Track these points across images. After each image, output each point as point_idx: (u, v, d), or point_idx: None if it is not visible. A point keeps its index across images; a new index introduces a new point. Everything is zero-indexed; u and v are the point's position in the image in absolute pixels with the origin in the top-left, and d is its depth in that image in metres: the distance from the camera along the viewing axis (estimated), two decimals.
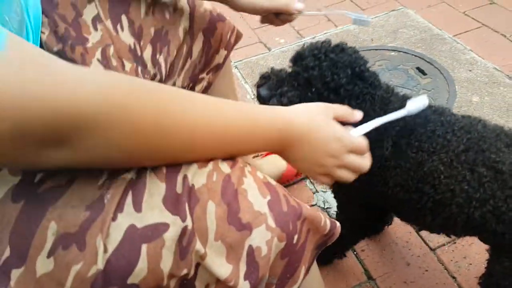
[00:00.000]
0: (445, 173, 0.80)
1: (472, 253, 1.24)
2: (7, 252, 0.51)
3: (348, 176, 0.71)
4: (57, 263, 0.52)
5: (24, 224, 0.53)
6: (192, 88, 0.67)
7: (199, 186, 0.56)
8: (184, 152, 0.56)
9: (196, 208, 0.55)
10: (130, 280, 0.53)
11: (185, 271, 0.55)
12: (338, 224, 0.70)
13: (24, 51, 0.43)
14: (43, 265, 0.52)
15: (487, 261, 0.89)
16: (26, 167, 0.51)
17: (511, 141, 0.80)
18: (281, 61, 1.94)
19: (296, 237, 0.61)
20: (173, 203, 0.54)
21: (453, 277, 1.19)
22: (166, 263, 0.54)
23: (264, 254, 0.58)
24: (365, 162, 0.72)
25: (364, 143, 0.71)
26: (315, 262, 0.76)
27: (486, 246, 0.91)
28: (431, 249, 1.25)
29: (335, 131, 0.68)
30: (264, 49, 2.07)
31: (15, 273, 0.51)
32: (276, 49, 2.05)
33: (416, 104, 0.77)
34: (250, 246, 0.57)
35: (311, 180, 0.85)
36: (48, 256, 0.52)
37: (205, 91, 1.00)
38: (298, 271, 0.64)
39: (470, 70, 1.78)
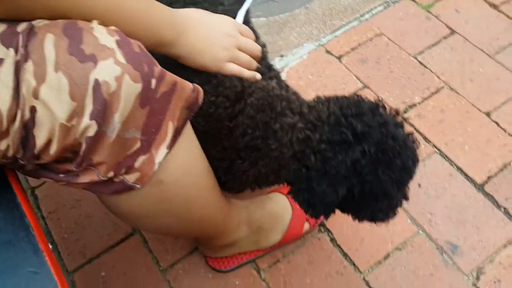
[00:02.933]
0: None
1: None
2: None
3: (248, 61, 0.79)
4: None
5: None
6: None
7: (40, 25, 0.53)
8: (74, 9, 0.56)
9: (32, 40, 0.51)
10: None
11: (20, 113, 0.51)
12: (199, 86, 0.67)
13: None
14: None
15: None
16: None
17: None
18: None
19: (154, 82, 0.56)
20: (9, 38, 0.51)
21: None
22: (3, 101, 0.50)
23: (113, 90, 0.52)
24: (255, 44, 0.80)
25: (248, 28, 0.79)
26: (193, 136, 0.72)
27: None
28: None
29: (225, 16, 0.78)
30: None
31: None
32: None
33: None
34: (96, 80, 0.52)
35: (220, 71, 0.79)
36: None
37: None
38: (164, 126, 0.60)
39: None
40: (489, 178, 1.18)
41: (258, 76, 0.81)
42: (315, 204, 0.75)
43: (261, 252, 1.08)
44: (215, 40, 0.76)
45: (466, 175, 1.18)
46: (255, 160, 0.77)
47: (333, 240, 1.11)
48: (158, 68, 0.58)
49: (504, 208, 1.13)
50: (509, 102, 1.31)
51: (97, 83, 0.52)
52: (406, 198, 0.80)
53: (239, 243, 1.02)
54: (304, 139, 0.74)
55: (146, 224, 0.77)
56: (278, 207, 1.07)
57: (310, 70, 1.41)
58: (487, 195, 1.15)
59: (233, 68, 0.78)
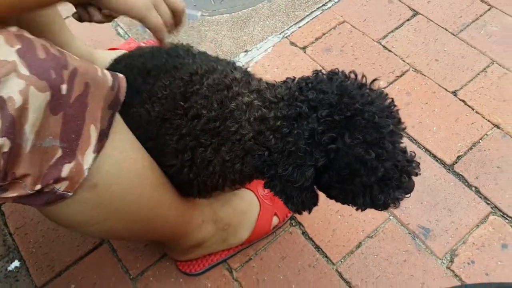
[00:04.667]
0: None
1: None
2: None
3: (168, 15, 0.76)
4: None
5: None
6: None
7: None
8: None
9: None
10: None
11: None
12: (120, 75, 0.66)
13: None
14: None
15: None
16: None
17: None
18: None
19: (64, 87, 0.55)
20: None
21: None
22: None
23: (19, 104, 0.51)
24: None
25: None
26: (129, 135, 0.71)
27: None
28: None
29: None
30: None
31: None
32: None
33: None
34: (1, 98, 0.50)
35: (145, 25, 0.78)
36: None
37: None
38: (86, 130, 0.59)
39: None
40: (458, 158, 1.16)
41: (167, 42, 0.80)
42: (292, 195, 0.69)
43: (232, 251, 1.06)
44: None
45: (435, 157, 1.17)
46: (218, 147, 0.73)
47: (304, 233, 1.09)
48: (68, 70, 0.56)
49: (475, 187, 1.12)
50: (475, 79, 1.29)
51: (2, 100, 0.50)
52: (407, 173, 0.69)
53: (207, 243, 1.00)
54: (261, 117, 0.69)
55: (95, 231, 0.75)
56: (244, 203, 1.05)
57: (276, 63, 1.39)
58: (458, 175, 1.14)
59: (157, 22, 0.74)
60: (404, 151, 0.70)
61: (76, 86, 0.56)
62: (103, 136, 0.62)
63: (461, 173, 1.14)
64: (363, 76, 0.69)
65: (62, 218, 0.67)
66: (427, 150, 1.18)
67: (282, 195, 0.70)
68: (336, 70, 0.70)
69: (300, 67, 1.37)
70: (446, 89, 1.28)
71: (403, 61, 1.35)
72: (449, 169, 1.15)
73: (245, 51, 1.43)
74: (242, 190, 1.07)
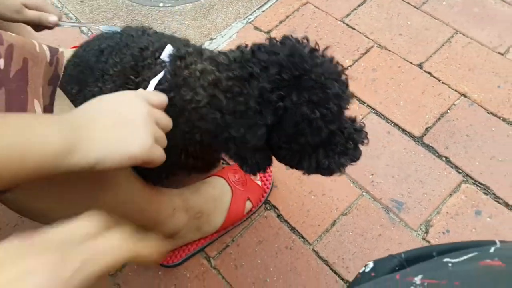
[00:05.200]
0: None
1: None
2: None
3: (163, 138, 0.63)
4: None
5: None
6: None
7: None
8: None
9: None
10: None
11: None
12: (60, 49, 0.65)
13: None
14: None
15: None
16: None
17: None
18: None
19: (2, 62, 0.54)
20: None
21: None
22: None
23: None
24: (168, 118, 0.65)
25: (162, 96, 0.64)
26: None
27: None
28: None
29: (127, 91, 0.62)
30: None
31: None
32: None
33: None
34: None
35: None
36: None
37: None
38: (30, 106, 0.58)
39: None
40: (427, 129, 1.17)
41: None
42: (246, 156, 0.70)
43: (208, 240, 1.06)
44: (132, 125, 0.58)
45: (404, 130, 1.17)
46: (175, 118, 0.71)
47: (279, 216, 1.09)
48: (3, 46, 0.55)
49: (446, 157, 1.13)
50: (440, 50, 1.30)
51: None
52: (353, 140, 0.70)
53: (181, 232, 1.00)
54: (214, 81, 0.69)
55: (59, 217, 0.73)
56: (215, 190, 1.04)
57: None
58: (427, 146, 1.14)
59: (161, 154, 0.61)
60: (353, 120, 0.72)
61: (15, 61, 0.56)
62: (47, 112, 0.61)
63: (430, 144, 1.15)
64: (316, 43, 0.71)
65: (22, 203, 0.65)
66: (395, 124, 1.18)
67: (237, 157, 0.72)
68: (290, 35, 0.72)
69: None
70: (411, 63, 1.28)
71: (367, 37, 1.35)
72: (418, 141, 1.15)
73: (210, 39, 1.42)
74: (213, 178, 1.07)
